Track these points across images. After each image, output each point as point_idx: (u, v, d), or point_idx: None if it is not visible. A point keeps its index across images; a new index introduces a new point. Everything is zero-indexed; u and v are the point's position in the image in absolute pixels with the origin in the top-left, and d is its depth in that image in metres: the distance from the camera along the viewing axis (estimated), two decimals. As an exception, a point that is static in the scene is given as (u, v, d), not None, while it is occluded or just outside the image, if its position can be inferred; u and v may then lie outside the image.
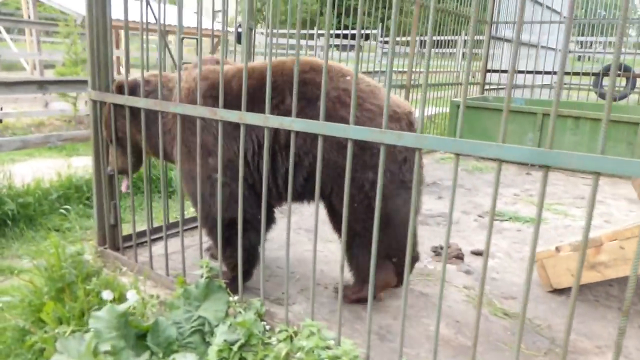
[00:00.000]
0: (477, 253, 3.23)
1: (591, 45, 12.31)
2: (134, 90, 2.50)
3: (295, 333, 2.05)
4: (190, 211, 3.95)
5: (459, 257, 3.12)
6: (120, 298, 2.47)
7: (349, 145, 1.73)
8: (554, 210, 4.29)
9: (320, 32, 7.06)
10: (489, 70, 7.58)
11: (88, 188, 4.50)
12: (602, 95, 9.22)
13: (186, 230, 2.99)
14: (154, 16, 2.69)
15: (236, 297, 2.25)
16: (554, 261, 2.67)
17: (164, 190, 2.60)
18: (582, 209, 4.39)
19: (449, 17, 6.90)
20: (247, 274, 2.46)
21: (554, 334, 2.32)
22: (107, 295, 2.35)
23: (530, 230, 3.76)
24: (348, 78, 2.16)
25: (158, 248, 3.00)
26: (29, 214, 4.05)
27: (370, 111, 2.12)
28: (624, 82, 9.04)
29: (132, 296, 2.29)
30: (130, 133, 2.55)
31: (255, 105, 2.07)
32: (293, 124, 1.83)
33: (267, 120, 1.90)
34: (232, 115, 2.01)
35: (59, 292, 2.55)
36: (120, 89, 2.55)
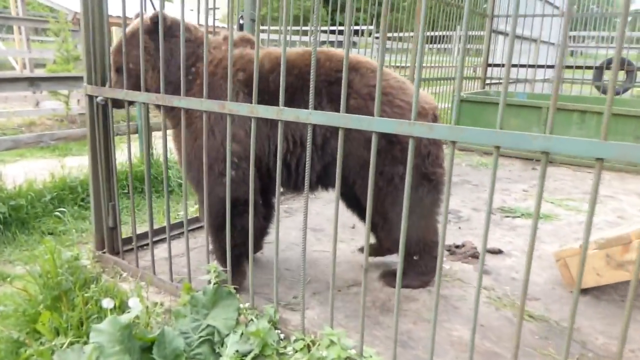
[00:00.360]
0: (492, 252, 3.10)
1: (583, 40, 12.26)
2: (171, 29, 2.28)
3: (313, 342, 1.91)
4: (191, 211, 3.79)
5: (475, 256, 2.99)
6: (121, 306, 2.31)
7: (373, 139, 1.59)
8: (566, 206, 4.17)
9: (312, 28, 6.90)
10: (490, 65, 7.47)
11: (83, 189, 4.33)
12: (599, 88, 9.15)
13: (190, 231, 2.82)
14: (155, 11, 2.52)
15: (247, 304, 2.10)
16: (579, 260, 2.54)
17: (166, 188, 2.44)
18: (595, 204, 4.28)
19: (442, 12, 6.76)
20: (245, 258, 2.34)
21: (584, 337, 2.20)
22: (107, 303, 2.20)
23: (544, 227, 3.64)
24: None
25: (160, 251, 2.85)
26: (22, 217, 3.87)
27: (400, 107, 2.13)
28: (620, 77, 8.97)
29: (134, 304, 2.13)
30: (137, 67, 2.31)
31: (294, 104, 2.07)
32: (310, 116, 1.69)
33: (282, 113, 1.75)
34: (242, 109, 1.86)
35: (55, 300, 2.39)
36: (156, 24, 2.24)
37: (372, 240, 3.05)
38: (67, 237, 3.65)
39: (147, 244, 2.69)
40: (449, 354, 2.04)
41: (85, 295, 2.35)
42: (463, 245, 3.13)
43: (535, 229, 1.41)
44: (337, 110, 2.07)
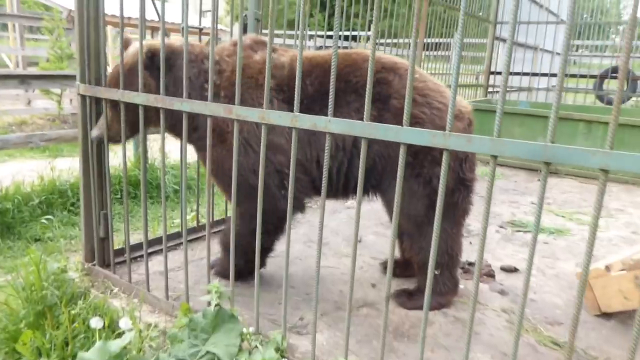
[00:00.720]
0: (508, 270, 2.94)
1: (577, 49, 12.26)
2: (171, 59, 2.14)
3: (325, 374, 1.72)
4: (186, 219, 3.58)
5: (490, 274, 2.82)
6: (111, 325, 2.11)
7: (401, 151, 1.41)
8: (577, 220, 4.02)
9: (311, 33, 6.74)
10: (492, 72, 7.34)
11: (73, 193, 4.11)
12: (601, 98, 9.06)
13: (188, 242, 2.60)
14: (157, 13, 2.35)
15: (251, 328, 1.91)
16: (604, 282, 2.39)
17: (163, 196, 2.24)
18: (606, 218, 4.14)
19: (437, 20, 6.66)
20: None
21: (615, 369, 2.03)
22: (95, 322, 1.99)
23: (558, 242, 3.48)
24: (417, 76, 2.21)
25: (154, 264, 2.65)
26: (7, 222, 3.64)
27: (439, 109, 2.10)
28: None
29: (126, 325, 1.94)
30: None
31: (337, 107, 2.08)
32: (329, 124, 1.51)
33: (296, 120, 1.57)
34: (251, 114, 1.67)
35: (39, 316, 2.19)
36: (152, 58, 2.11)
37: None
38: (54, 244, 3.44)
39: (141, 256, 2.49)
40: (472, 386, 1.86)
41: (72, 312, 2.15)
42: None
43: (589, 261, 1.23)
44: (380, 113, 2.11)
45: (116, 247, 2.64)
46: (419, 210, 2.19)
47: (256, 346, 1.82)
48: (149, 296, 2.27)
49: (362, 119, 2.07)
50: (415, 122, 2.06)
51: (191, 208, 3.99)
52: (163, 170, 2.15)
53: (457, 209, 2.28)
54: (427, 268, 2.24)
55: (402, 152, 1.41)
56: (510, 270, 2.93)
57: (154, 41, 2.27)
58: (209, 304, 1.89)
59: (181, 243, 2.59)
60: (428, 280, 1.49)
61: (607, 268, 2.40)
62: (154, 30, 10.56)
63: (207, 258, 2.15)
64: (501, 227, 3.77)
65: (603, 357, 2.10)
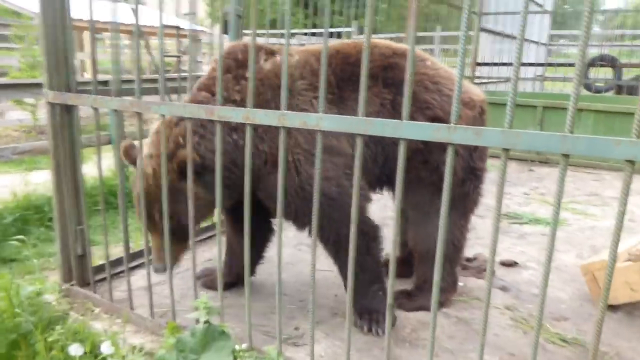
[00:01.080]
0: (507, 264, 2.85)
1: (558, 39, 12.37)
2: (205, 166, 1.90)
3: (327, 392, 1.59)
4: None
5: (490, 270, 2.72)
6: (93, 351, 1.96)
7: (401, 147, 1.29)
8: (572, 209, 3.96)
9: (293, 31, 6.62)
10: (479, 64, 7.27)
11: (50, 208, 3.90)
12: (588, 87, 9.10)
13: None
14: (135, 16, 2.19)
15: (244, 345, 1.78)
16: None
17: (143, 205, 2.08)
18: (601, 207, 4.09)
19: (420, 15, 6.58)
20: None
21: (629, 364, 1.94)
22: (75, 350, 1.84)
23: (556, 234, 3.40)
24: (428, 63, 2.15)
25: (137, 279, 2.49)
26: (-22, 243, 3.44)
27: (449, 97, 2.06)
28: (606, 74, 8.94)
29: (107, 350, 1.79)
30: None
31: (353, 93, 1.96)
32: (321, 122, 1.38)
33: (284, 118, 1.44)
34: (235, 115, 1.54)
35: (12, 346, 2.03)
36: (183, 170, 1.86)
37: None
38: (30, 265, 3.24)
39: (123, 271, 2.33)
40: (483, 394, 1.75)
41: (49, 339, 1.97)
42: (475, 259, 2.87)
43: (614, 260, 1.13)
44: (395, 97, 2.02)
45: (96, 263, 2.47)
46: (426, 198, 2.10)
47: (251, 365, 1.69)
48: (132, 315, 2.11)
49: (382, 102, 1.99)
50: (426, 107, 2.03)
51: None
52: (140, 174, 1.99)
53: (467, 200, 2.22)
54: (429, 258, 2.13)
55: (402, 149, 1.28)
56: (510, 264, 2.84)
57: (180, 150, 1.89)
58: (198, 321, 1.75)
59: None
60: (436, 271, 1.35)
61: (612, 259, 2.32)
62: (129, 34, 10.29)
63: (192, 269, 1.99)
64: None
65: (613, 351, 2.01)
